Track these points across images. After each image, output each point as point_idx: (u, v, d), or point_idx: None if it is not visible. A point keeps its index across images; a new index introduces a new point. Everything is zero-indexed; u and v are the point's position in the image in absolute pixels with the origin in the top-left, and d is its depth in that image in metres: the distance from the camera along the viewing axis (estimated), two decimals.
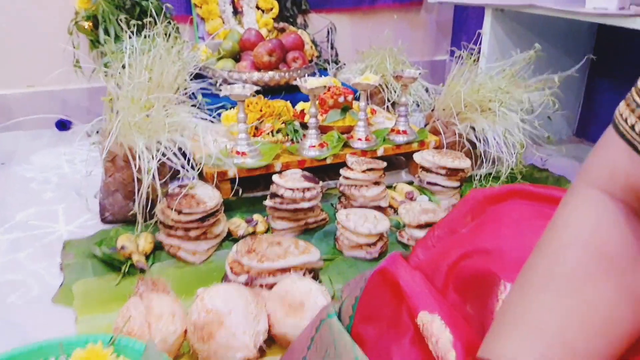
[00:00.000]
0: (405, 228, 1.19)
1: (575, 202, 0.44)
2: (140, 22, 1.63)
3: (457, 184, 1.33)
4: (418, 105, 1.80)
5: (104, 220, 1.26)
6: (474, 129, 1.43)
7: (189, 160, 1.19)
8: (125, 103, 1.16)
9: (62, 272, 1.06)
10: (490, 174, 1.45)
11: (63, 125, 1.91)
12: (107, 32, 1.72)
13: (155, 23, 1.54)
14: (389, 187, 1.41)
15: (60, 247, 1.15)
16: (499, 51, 1.57)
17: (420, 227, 1.15)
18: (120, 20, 1.70)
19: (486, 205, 0.66)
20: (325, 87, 1.34)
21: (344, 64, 2.17)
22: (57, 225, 1.26)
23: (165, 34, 1.49)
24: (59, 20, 1.80)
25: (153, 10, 1.75)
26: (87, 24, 1.77)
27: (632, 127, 0.40)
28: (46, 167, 1.59)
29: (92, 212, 1.29)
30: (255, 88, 1.33)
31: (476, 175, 1.44)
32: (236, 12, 2.02)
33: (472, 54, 1.46)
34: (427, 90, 1.75)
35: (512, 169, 1.39)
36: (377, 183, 1.27)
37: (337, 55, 2.23)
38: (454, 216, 0.70)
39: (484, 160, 1.41)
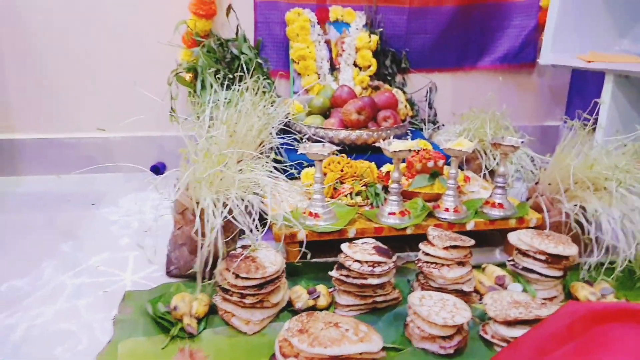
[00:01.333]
0: (490, 322, 1.01)
1: None
2: (232, 76, 1.66)
3: (559, 273, 1.13)
4: (521, 176, 1.62)
5: (168, 273, 1.23)
6: (584, 209, 1.22)
7: (260, 218, 1.13)
8: (199, 156, 1.14)
9: (114, 327, 1.02)
10: (602, 263, 1.22)
11: (157, 170, 1.97)
12: (203, 85, 1.76)
13: (251, 77, 1.55)
14: (478, 267, 1.24)
15: (121, 298, 1.12)
16: (620, 122, 1.36)
17: (507, 323, 0.97)
18: (218, 73, 1.74)
19: (590, 324, 0.51)
20: (410, 150, 1.23)
21: (442, 125, 2.05)
22: (124, 273, 1.24)
23: (254, 89, 1.48)
24: (163, 70, 1.88)
25: (247, 64, 1.77)
26: (188, 76, 1.83)
27: None
28: (130, 211, 1.62)
29: (161, 263, 1.26)
30: (335, 148, 1.26)
31: (584, 263, 1.22)
32: (333, 68, 1.99)
33: (587, 124, 1.28)
34: (532, 159, 1.56)
35: (630, 261, 1.16)
36: (461, 263, 1.11)
37: (435, 115, 2.11)
38: (545, 331, 0.55)
39: (596, 247, 1.19)
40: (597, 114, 1.36)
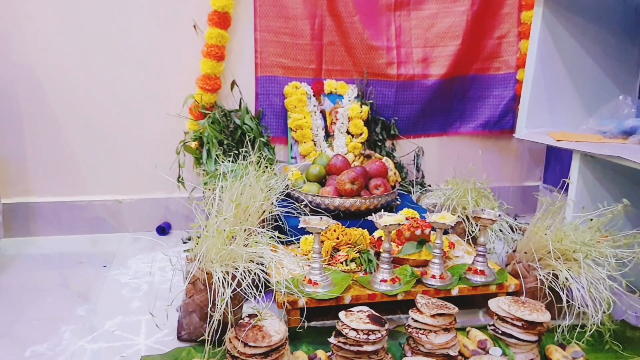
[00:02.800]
0: None
1: None
2: (235, 145, 1.81)
3: (535, 337, 1.25)
4: (501, 239, 1.76)
5: (179, 338, 1.33)
6: (556, 277, 1.35)
7: (265, 286, 1.25)
8: (209, 232, 1.27)
9: None
10: (574, 327, 1.35)
11: (162, 230, 2.09)
12: (209, 154, 1.90)
13: (252, 145, 1.70)
14: (463, 329, 1.36)
15: None
16: (589, 197, 1.51)
17: None
18: (222, 143, 1.89)
19: None
20: (399, 224, 1.37)
21: (429, 185, 2.20)
22: (137, 338, 1.35)
23: (258, 163, 1.63)
24: (170, 139, 2.02)
25: (248, 133, 1.93)
26: (194, 144, 1.98)
27: None
28: (139, 273, 1.73)
29: (171, 327, 1.36)
30: (332, 222, 1.39)
31: (558, 327, 1.35)
32: (328, 136, 2.16)
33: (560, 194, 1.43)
34: (510, 227, 1.70)
35: (598, 325, 1.29)
36: (447, 329, 1.23)
37: (423, 177, 2.27)
38: None
39: (567, 313, 1.32)
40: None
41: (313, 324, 1.39)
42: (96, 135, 2.02)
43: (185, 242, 2.01)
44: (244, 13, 2.02)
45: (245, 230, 1.35)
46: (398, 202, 1.89)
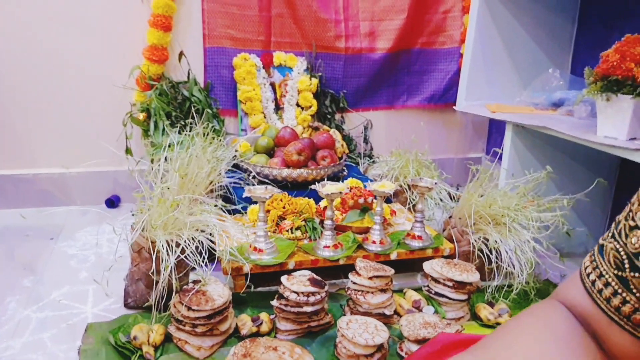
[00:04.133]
0: (405, 340, 1.21)
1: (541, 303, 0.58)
2: (183, 118, 1.82)
3: (464, 297, 1.34)
4: (440, 207, 1.85)
5: (126, 305, 1.36)
6: (487, 240, 1.45)
7: (209, 255, 1.29)
8: (154, 201, 1.29)
9: (78, 356, 1.15)
10: (503, 286, 1.45)
11: (112, 203, 2.09)
12: (156, 125, 1.90)
13: (201, 117, 1.71)
14: (401, 291, 1.44)
15: (83, 330, 1.25)
16: (520, 165, 1.61)
17: (418, 341, 1.17)
18: (170, 115, 1.89)
19: (444, 354, 0.69)
20: (340, 192, 1.42)
21: (378, 158, 2.27)
22: (84, 306, 1.37)
23: (204, 134, 1.65)
24: (117, 110, 2.01)
25: (197, 105, 1.94)
26: (141, 115, 1.97)
27: (593, 283, 0.53)
28: (87, 245, 1.74)
29: (118, 295, 1.39)
30: (277, 191, 1.43)
31: (488, 287, 1.45)
32: (278, 108, 2.18)
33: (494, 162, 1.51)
34: (449, 194, 1.79)
35: (523, 285, 1.39)
36: (383, 290, 1.31)
37: (371, 149, 2.33)
38: (418, 356, 0.74)
39: (496, 273, 1.42)
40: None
41: (259, 289, 1.44)
42: (41, 107, 1.98)
43: (134, 215, 2.01)
44: None
45: (190, 199, 1.37)
46: (344, 173, 1.95)
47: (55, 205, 2.06)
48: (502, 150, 1.60)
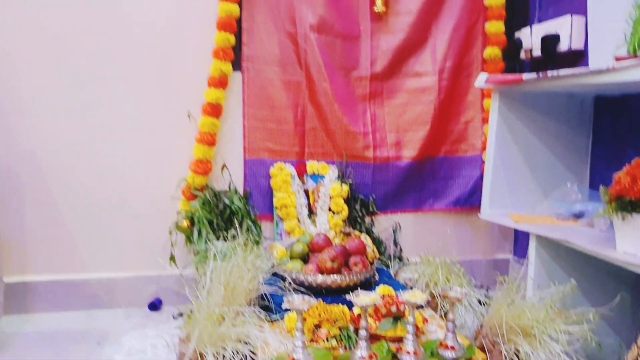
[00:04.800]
0: None
1: None
2: (224, 225, 1.96)
3: None
4: (471, 312, 1.89)
5: None
6: (518, 351, 1.49)
7: None
8: (202, 315, 1.39)
9: None
10: None
11: (154, 306, 2.19)
12: (200, 233, 2.04)
13: (240, 225, 1.85)
14: None
15: None
16: (545, 274, 1.67)
17: None
18: (212, 223, 2.04)
19: None
20: (374, 303, 1.50)
21: (408, 259, 2.35)
22: None
23: (245, 245, 1.77)
24: (163, 218, 2.17)
25: (237, 212, 2.08)
26: (185, 222, 2.13)
27: None
28: (132, 350, 1.82)
29: None
30: (314, 301, 1.52)
31: None
32: (311, 213, 2.32)
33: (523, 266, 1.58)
34: (479, 301, 1.84)
35: None
36: None
37: (401, 251, 2.42)
38: None
39: None
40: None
41: None
42: (93, 216, 2.15)
43: (175, 318, 2.11)
44: (233, 103, 2.23)
45: (233, 311, 1.47)
46: (376, 278, 2.03)
47: (101, 307, 2.17)
48: (528, 259, 1.67)
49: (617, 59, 1.51)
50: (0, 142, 2.01)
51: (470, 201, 2.45)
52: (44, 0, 2.03)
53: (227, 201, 2.19)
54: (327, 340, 1.63)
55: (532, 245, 1.70)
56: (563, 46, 2.03)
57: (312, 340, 1.63)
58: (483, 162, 2.41)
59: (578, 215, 1.73)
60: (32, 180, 2.09)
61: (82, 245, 2.16)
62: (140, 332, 1.96)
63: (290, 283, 1.88)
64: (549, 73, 1.61)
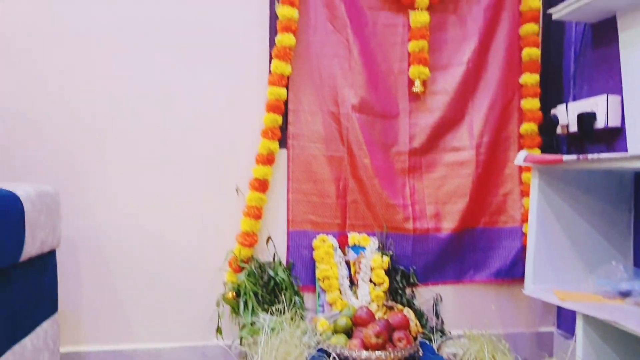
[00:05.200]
0: None
1: None
2: (271, 302, 2.02)
3: None
4: None
5: None
6: None
7: None
8: None
9: None
10: None
11: None
12: (246, 305, 2.10)
13: (284, 298, 1.90)
14: None
15: None
16: (595, 354, 1.66)
17: None
18: (257, 294, 2.10)
19: None
20: None
21: (449, 332, 2.34)
22: None
23: (292, 319, 1.82)
24: (210, 289, 2.25)
25: (281, 284, 2.14)
26: (231, 293, 2.19)
27: None
28: None
29: None
30: None
31: None
32: (352, 284, 2.36)
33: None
34: None
35: None
36: None
37: (442, 323, 2.41)
38: None
39: None
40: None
41: None
42: (143, 287, 2.24)
43: None
44: (279, 178, 2.34)
45: None
46: (420, 353, 2.03)
47: None
48: (575, 339, 1.66)
49: None
50: (64, 215, 2.15)
51: (512, 273, 2.45)
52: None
53: (271, 272, 2.26)
54: None
55: (579, 324, 1.69)
56: (600, 123, 2.09)
57: None
58: (523, 233, 2.43)
59: (625, 294, 1.73)
60: (89, 251, 2.21)
61: (133, 316, 2.24)
62: None
63: (334, 358, 1.90)
64: (589, 156, 1.66)
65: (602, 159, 1.62)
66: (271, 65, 2.27)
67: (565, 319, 2.43)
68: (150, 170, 2.25)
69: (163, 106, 2.26)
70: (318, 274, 2.32)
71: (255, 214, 2.25)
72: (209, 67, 2.29)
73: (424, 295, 2.45)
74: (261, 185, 2.26)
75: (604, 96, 2.07)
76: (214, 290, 2.24)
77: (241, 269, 2.23)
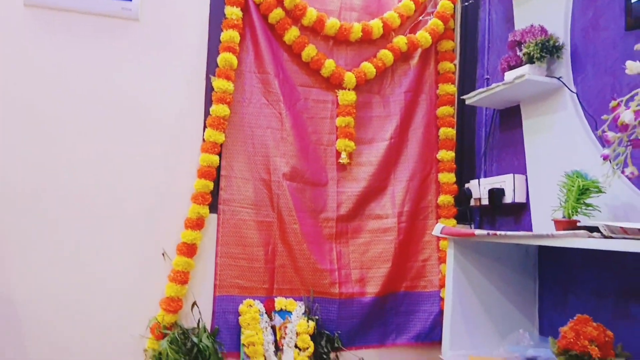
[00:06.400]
0: None
1: None
2: None
3: None
4: None
5: None
6: None
7: None
8: None
9: None
10: None
11: None
12: None
13: None
14: None
15: None
16: None
17: None
18: None
19: None
20: None
21: None
22: None
23: None
24: (130, 358, 2.16)
25: (204, 351, 2.11)
26: None
27: None
28: None
29: None
30: None
31: None
32: (277, 349, 2.35)
33: None
34: None
35: None
36: None
37: None
38: None
39: None
40: None
41: None
42: (57, 356, 2.12)
43: None
44: (207, 242, 2.34)
45: None
46: None
47: None
48: None
49: (556, 222, 1.76)
50: None
51: (431, 336, 2.56)
52: None
53: (195, 339, 2.21)
54: None
55: None
56: (507, 198, 2.30)
57: None
58: (441, 298, 2.56)
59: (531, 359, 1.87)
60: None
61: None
62: None
63: None
64: (498, 232, 1.83)
65: (509, 236, 1.79)
66: (205, 133, 2.32)
67: None
68: (71, 228, 2.18)
69: (91, 166, 2.22)
70: (243, 339, 2.30)
71: (182, 279, 2.22)
72: (143, 131, 2.30)
73: (348, 359, 2.48)
74: (189, 250, 2.25)
75: (510, 175, 2.30)
76: (134, 358, 2.15)
77: (164, 335, 2.17)
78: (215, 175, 2.33)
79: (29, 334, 2.10)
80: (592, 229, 1.53)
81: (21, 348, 2.08)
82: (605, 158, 1.53)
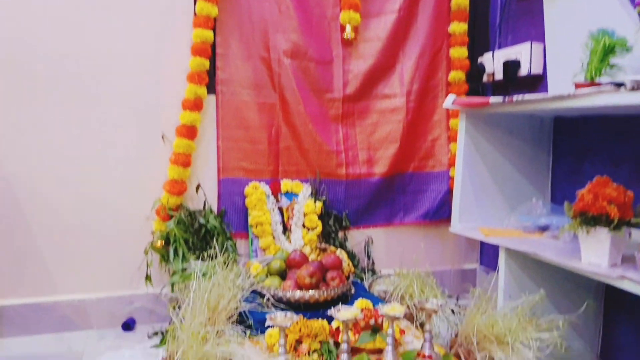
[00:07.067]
0: None
1: None
2: (200, 244, 1.98)
3: None
4: (445, 321, 1.96)
5: None
6: (493, 359, 1.56)
7: None
8: (185, 335, 1.40)
9: None
10: None
11: (128, 326, 2.17)
12: (176, 252, 2.05)
13: (217, 244, 1.87)
14: None
15: None
16: (515, 284, 1.76)
17: None
18: (188, 241, 2.05)
19: None
20: (356, 317, 1.55)
21: (380, 271, 2.41)
22: None
23: (224, 263, 1.80)
24: (138, 239, 2.16)
25: (212, 230, 2.10)
26: (159, 242, 2.12)
27: None
28: None
29: None
30: (296, 317, 1.56)
31: None
32: (285, 229, 2.35)
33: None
34: (452, 311, 1.92)
35: None
36: None
37: (373, 264, 2.48)
38: None
39: None
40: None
41: None
42: (63, 237, 2.12)
43: (150, 338, 2.09)
44: (208, 125, 2.26)
45: (215, 329, 1.49)
46: (352, 292, 2.08)
47: (73, 329, 2.13)
48: (498, 271, 1.76)
49: (577, 85, 1.64)
50: None
51: (439, 214, 2.55)
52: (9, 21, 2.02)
53: (202, 220, 2.20)
54: (309, 354, 1.66)
55: (502, 257, 1.79)
56: (523, 71, 2.17)
57: (293, 356, 1.66)
58: (450, 177, 2.52)
59: (543, 228, 1.84)
60: (3, 202, 2.04)
61: (52, 267, 2.12)
62: (116, 353, 1.94)
63: (268, 299, 1.91)
64: (514, 97, 1.72)
65: (527, 101, 1.69)
66: (196, 6, 2.15)
67: (488, 255, 2.58)
68: (69, 118, 2.10)
69: (82, 50, 2.09)
70: (251, 220, 2.29)
71: (183, 161, 2.17)
72: (131, 7, 2.14)
73: (356, 237, 2.50)
74: (189, 132, 2.17)
75: (527, 44, 2.14)
76: (141, 239, 2.15)
77: (170, 217, 2.16)
78: (210, 52, 2.19)
79: (33, 217, 2.09)
80: (618, 86, 1.42)
81: (25, 230, 2.08)
82: (638, 4, 1.38)
